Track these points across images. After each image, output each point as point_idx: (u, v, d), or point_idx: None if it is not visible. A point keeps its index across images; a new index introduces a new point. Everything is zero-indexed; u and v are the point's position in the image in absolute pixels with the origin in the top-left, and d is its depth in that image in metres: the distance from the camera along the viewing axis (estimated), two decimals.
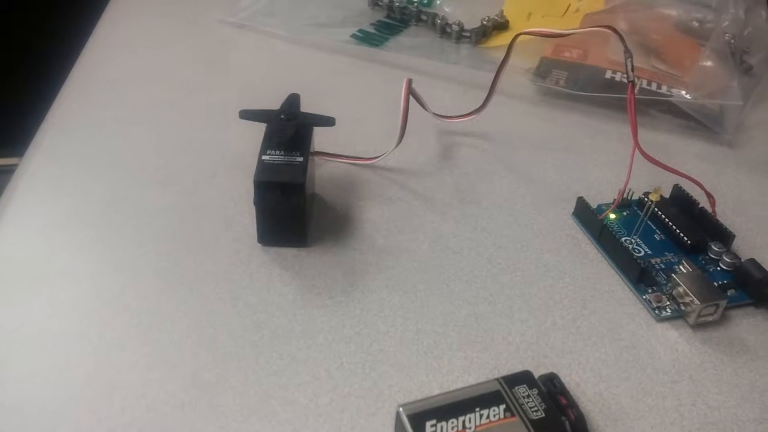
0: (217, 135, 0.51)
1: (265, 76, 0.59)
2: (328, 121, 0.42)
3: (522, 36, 0.65)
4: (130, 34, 0.64)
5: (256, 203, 0.40)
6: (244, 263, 0.41)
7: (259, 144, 0.42)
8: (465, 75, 0.60)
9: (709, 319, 0.38)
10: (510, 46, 0.49)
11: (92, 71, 0.58)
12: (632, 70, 0.44)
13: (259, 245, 0.42)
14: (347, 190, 0.47)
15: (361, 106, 0.56)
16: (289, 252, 0.42)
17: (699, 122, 0.55)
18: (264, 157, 0.40)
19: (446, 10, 0.70)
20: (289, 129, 0.41)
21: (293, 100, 0.43)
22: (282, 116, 0.42)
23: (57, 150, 0.49)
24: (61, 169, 0.47)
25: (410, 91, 0.48)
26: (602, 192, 0.48)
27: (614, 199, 0.46)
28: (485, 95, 0.52)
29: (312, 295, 0.39)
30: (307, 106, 0.44)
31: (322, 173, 0.48)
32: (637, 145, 0.43)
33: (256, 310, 0.38)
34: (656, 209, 0.44)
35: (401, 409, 0.30)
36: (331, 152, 0.49)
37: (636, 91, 0.57)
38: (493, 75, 0.52)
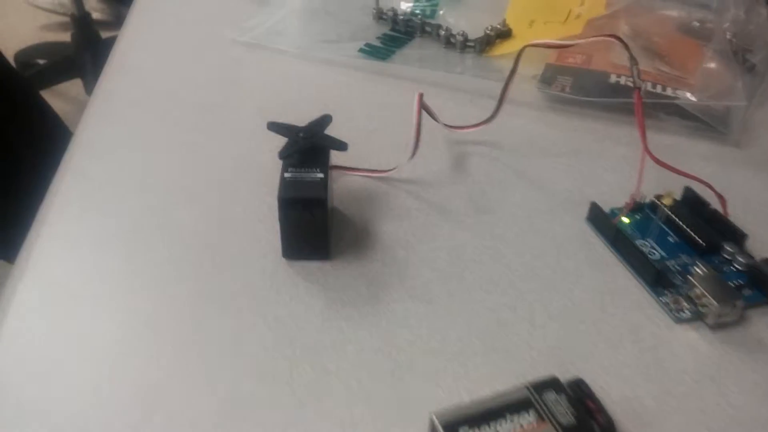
0: (237, 152, 0.52)
1: (279, 93, 0.60)
2: (340, 146, 0.43)
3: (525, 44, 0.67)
4: (146, 57, 0.65)
5: (280, 219, 0.41)
6: (271, 278, 0.42)
7: (277, 159, 0.43)
8: (471, 84, 0.61)
9: (728, 319, 0.39)
10: (517, 59, 0.51)
11: (112, 95, 0.59)
12: (639, 76, 0.46)
13: (284, 260, 0.43)
14: (364, 202, 0.48)
15: (372, 119, 0.57)
16: (313, 266, 0.43)
17: (705, 123, 0.56)
18: (286, 175, 0.41)
19: (449, 20, 0.71)
20: (301, 145, 0.43)
21: (323, 121, 0.45)
22: (301, 134, 0.43)
23: (84, 173, 0.50)
24: (89, 192, 0.48)
25: (422, 105, 0.49)
26: (614, 196, 0.49)
27: (626, 203, 0.47)
28: (492, 103, 0.53)
29: (338, 308, 0.40)
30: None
31: (339, 186, 0.50)
32: (646, 150, 0.44)
33: (285, 323, 0.39)
34: (669, 212, 0.45)
35: (435, 416, 0.31)
36: (347, 165, 0.50)
37: (642, 95, 0.59)
38: (498, 83, 0.53)
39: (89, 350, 0.37)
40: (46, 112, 1.10)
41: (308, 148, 0.43)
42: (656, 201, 0.46)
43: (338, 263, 0.43)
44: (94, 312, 0.40)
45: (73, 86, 1.83)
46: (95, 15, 1.96)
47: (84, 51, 1.79)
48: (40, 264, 0.43)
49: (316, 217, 0.41)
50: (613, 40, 0.47)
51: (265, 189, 0.48)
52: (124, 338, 0.38)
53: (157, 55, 0.65)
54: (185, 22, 0.70)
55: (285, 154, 0.42)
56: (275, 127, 0.44)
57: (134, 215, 0.46)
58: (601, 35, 0.47)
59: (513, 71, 0.51)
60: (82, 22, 1.79)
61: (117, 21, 2.07)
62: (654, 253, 0.44)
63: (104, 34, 1.84)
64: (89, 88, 1.78)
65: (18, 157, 0.98)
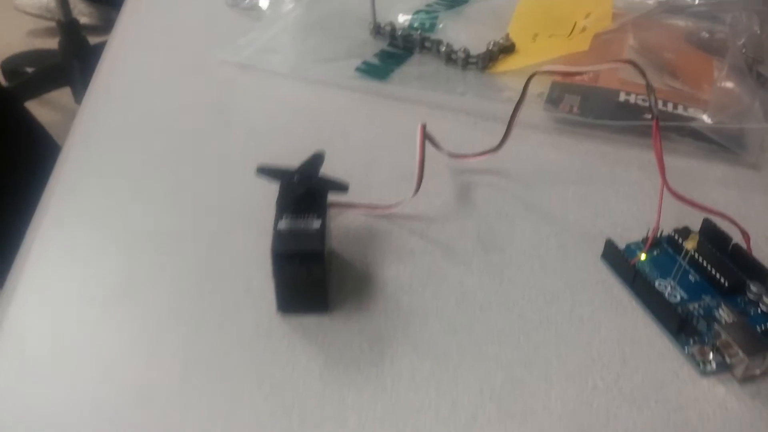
0: (228, 188, 0.50)
1: (272, 119, 0.57)
2: (340, 188, 0.41)
3: (530, 60, 0.64)
4: (129, 81, 0.62)
5: (274, 273, 0.38)
6: (266, 336, 0.39)
7: (273, 195, 0.40)
8: (475, 105, 0.59)
9: (757, 372, 0.37)
10: (525, 86, 0.48)
11: (93, 124, 0.56)
12: (656, 104, 0.43)
13: (279, 314, 0.40)
14: (365, 243, 0.46)
15: (372, 147, 0.54)
16: (311, 320, 0.40)
17: (720, 144, 0.53)
18: (279, 224, 0.39)
19: (449, 34, 0.68)
20: (298, 190, 0.40)
21: (315, 159, 0.42)
22: (295, 177, 0.40)
23: (64, 216, 0.47)
24: (69, 237, 0.46)
25: (425, 136, 0.46)
26: (629, 229, 0.46)
27: (644, 238, 0.45)
28: (496, 126, 0.51)
29: (339, 370, 0.37)
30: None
31: (337, 225, 0.47)
32: (666, 185, 0.41)
33: (282, 390, 0.36)
34: (694, 253, 0.43)
35: None
36: (345, 201, 0.48)
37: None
38: (502, 105, 0.50)
39: (71, 423, 0.35)
40: (32, 126, 1.07)
41: (305, 192, 0.40)
42: (675, 237, 0.44)
43: (338, 316, 0.40)
44: (76, 376, 0.37)
45: (63, 95, 1.80)
46: (83, 19, 1.92)
47: (72, 58, 1.75)
48: (17, 320, 0.40)
49: (313, 271, 0.38)
50: (628, 65, 0.44)
51: (258, 231, 0.45)
52: (109, 408, 0.35)
53: (141, 79, 0.62)
54: (171, 43, 0.67)
55: (284, 204, 0.39)
56: (266, 171, 0.41)
57: (118, 264, 0.44)
58: (616, 61, 0.44)
59: (521, 99, 0.48)
60: (69, 29, 1.75)
61: (106, 25, 2.03)
62: (675, 295, 0.41)
63: (93, 40, 1.80)
64: (78, 96, 1.74)
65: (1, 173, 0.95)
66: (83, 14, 2.02)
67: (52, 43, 1.87)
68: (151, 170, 0.51)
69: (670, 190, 0.41)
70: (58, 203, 0.48)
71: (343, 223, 0.47)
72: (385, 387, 0.36)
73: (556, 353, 0.38)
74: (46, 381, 0.37)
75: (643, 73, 0.42)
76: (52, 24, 1.88)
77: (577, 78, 0.60)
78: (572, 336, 0.39)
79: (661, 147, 0.41)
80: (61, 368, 0.38)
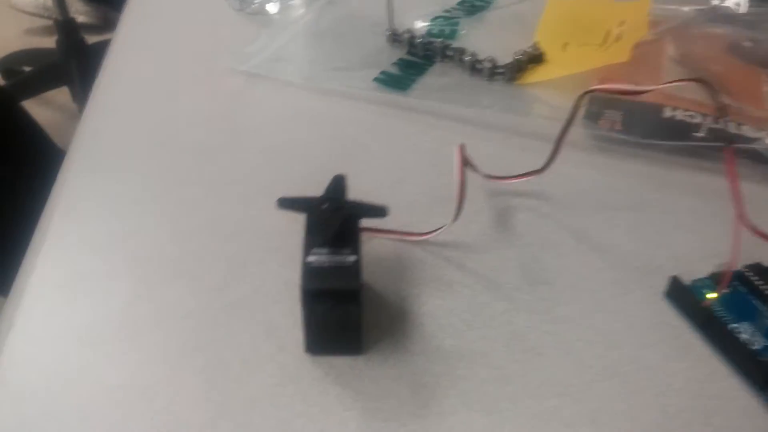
0: (243, 211, 0.44)
1: (287, 133, 0.52)
2: (379, 212, 0.36)
3: (562, 71, 0.60)
4: (130, 93, 0.57)
5: (303, 313, 0.33)
6: (293, 382, 0.34)
7: (296, 219, 0.36)
8: (503, 120, 0.54)
9: None
10: (576, 106, 0.43)
11: (95, 140, 0.51)
12: (729, 128, 0.38)
13: (308, 355, 0.35)
14: (398, 273, 0.41)
15: (396, 165, 0.49)
16: (344, 363, 0.35)
17: None
18: (310, 258, 0.34)
19: (472, 42, 0.63)
20: (334, 221, 0.35)
21: (338, 183, 0.37)
22: (324, 206, 0.35)
23: (64, 243, 0.42)
24: (70, 267, 0.40)
25: (464, 159, 0.41)
26: (691, 263, 0.42)
27: (711, 274, 0.40)
28: (528, 143, 0.48)
29: (380, 424, 0.32)
30: (338, 170, 0.39)
31: (368, 252, 0.41)
32: (742, 220, 0.36)
33: None
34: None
35: None
36: (375, 226, 0.43)
37: (703, 133, 0.51)
38: (534, 120, 0.47)
39: None
40: (29, 126, 1.02)
41: (334, 220, 0.35)
42: (749, 274, 0.39)
43: (373, 358, 0.36)
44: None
45: (60, 94, 1.75)
46: (80, 18, 1.87)
47: (70, 57, 1.70)
48: (15, 364, 0.35)
49: (348, 311, 0.33)
50: (692, 83, 0.39)
51: (279, 259, 0.40)
52: None
53: (143, 90, 0.57)
54: (174, 50, 0.62)
55: (325, 239, 0.34)
56: (289, 203, 0.36)
57: (124, 300, 0.39)
58: (683, 79, 0.39)
59: (571, 119, 0.43)
60: (66, 27, 1.70)
61: (103, 24, 2.00)
62: (753, 342, 0.36)
63: (91, 39, 1.75)
64: (76, 96, 1.70)
65: None
66: (80, 13, 1.98)
67: (49, 42, 1.82)
68: (157, 191, 0.46)
69: (748, 226, 0.36)
70: (58, 228, 0.43)
71: (372, 250, 0.42)
72: None
73: (626, 409, 0.34)
74: (45, 423, 0.32)
75: (715, 95, 0.38)
76: (50, 22, 1.83)
77: (616, 91, 0.55)
78: (641, 388, 0.35)
79: (736, 177, 0.37)
80: (60, 410, 0.33)
